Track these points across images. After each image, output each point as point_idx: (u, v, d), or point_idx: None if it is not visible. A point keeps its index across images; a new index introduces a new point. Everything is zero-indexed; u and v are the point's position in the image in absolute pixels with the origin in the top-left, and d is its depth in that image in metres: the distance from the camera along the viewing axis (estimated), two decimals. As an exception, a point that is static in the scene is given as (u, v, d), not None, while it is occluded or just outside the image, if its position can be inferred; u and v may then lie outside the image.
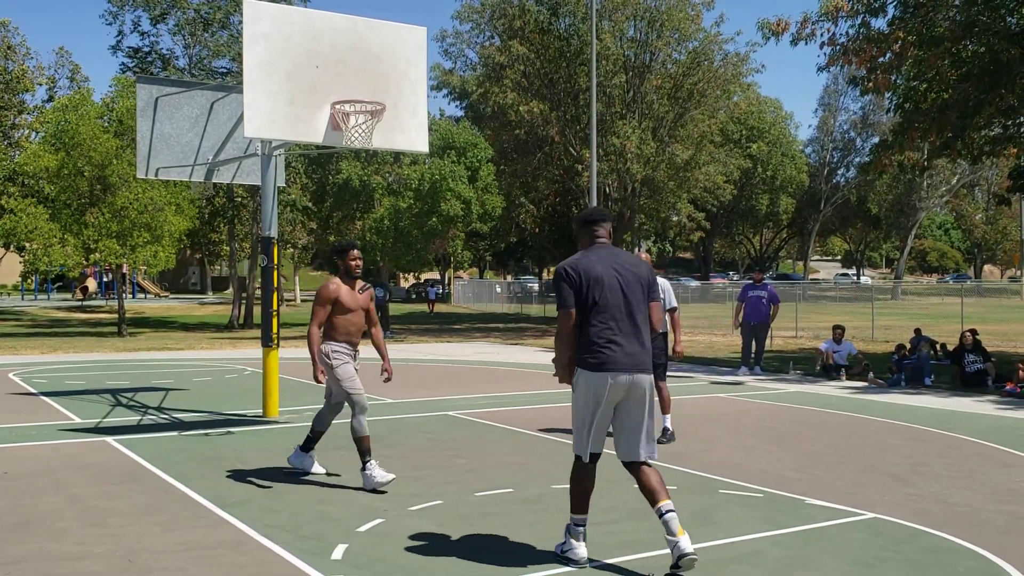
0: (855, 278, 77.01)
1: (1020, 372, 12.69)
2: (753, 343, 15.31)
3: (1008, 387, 12.57)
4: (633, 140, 26.34)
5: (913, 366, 13.89)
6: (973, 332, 13.90)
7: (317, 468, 7.20)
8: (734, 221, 65.30)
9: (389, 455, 8.03)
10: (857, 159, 68.60)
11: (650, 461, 4.87)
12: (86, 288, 50.53)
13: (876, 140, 64.45)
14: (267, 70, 8.78)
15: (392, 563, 4.95)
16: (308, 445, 7.19)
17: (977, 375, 13.27)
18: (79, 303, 47.34)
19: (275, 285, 10.33)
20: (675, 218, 36.86)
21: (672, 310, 8.82)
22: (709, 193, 31.20)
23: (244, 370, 16.05)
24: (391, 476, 6.62)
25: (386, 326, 25.36)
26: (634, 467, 4.86)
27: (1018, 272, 75.25)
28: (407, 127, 9.19)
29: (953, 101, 14.93)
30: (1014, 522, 5.79)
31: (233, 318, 30.84)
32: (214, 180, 11.57)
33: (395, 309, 47.55)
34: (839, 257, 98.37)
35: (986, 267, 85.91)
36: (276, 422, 10.02)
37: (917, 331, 16.51)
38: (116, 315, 28.93)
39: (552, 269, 66.88)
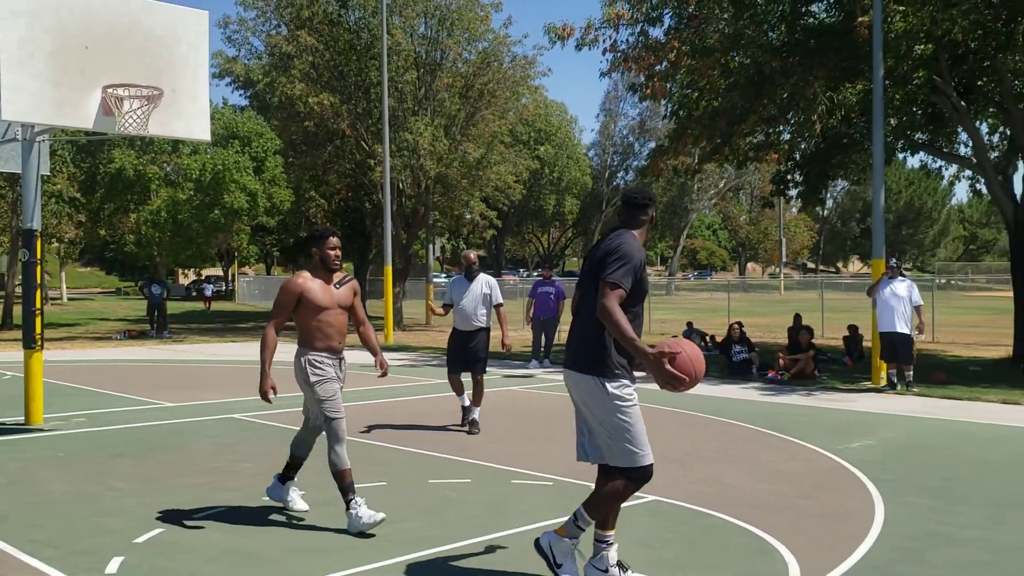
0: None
1: (780, 360, 13.81)
2: (543, 337, 15.78)
3: (770, 375, 13.64)
4: (426, 137, 26.34)
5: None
6: (740, 324, 14.96)
7: (298, 503, 5.97)
8: (524, 220, 67.04)
9: (169, 461, 7.59)
10: (636, 163, 72.20)
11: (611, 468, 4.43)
12: None
13: (653, 145, 68.24)
14: (30, 49, 8.05)
15: (172, 573, 4.67)
16: (287, 473, 6.06)
17: (743, 364, 14.31)
18: None
19: (38, 282, 9.50)
20: (468, 216, 37.24)
21: (498, 306, 9.28)
22: (500, 192, 31.72)
23: (3, 374, 14.67)
24: (380, 516, 5.42)
25: (163, 326, 24.01)
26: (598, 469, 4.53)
27: (777, 270, 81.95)
28: (186, 114, 8.70)
29: (722, 109, 16.01)
30: (781, 500, 6.27)
31: (-11, 318, 28.10)
32: (-34, 166, 10.46)
33: (172, 307, 45.13)
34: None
35: (749, 264, 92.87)
36: (41, 430, 9.22)
37: (689, 324, 17.61)
38: None
39: (345, 266, 65.56)
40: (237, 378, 14.34)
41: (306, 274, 5.77)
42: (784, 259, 79.97)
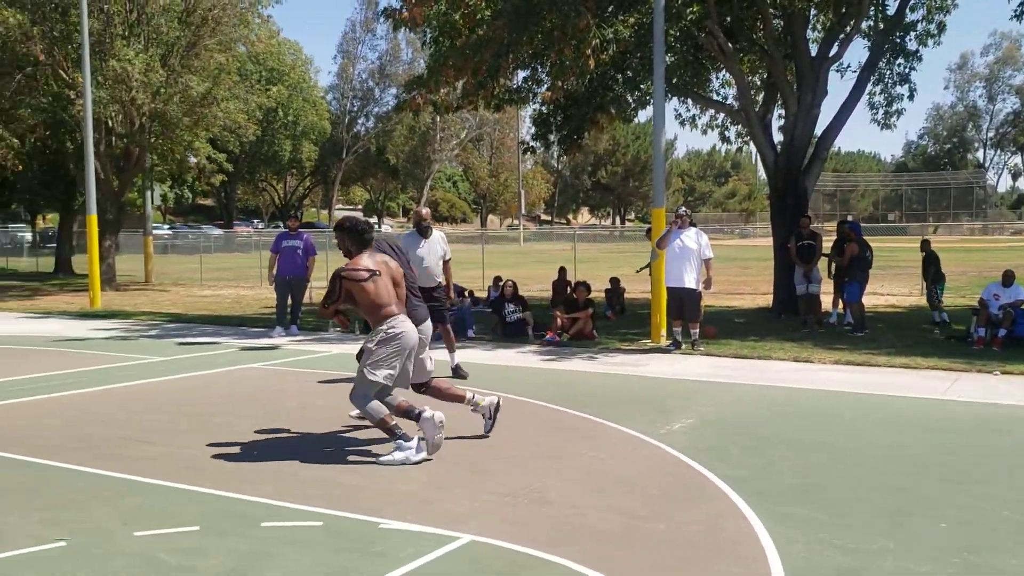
0: (377, 226, 78.95)
1: (558, 320, 12.49)
2: (288, 299, 13.49)
3: (548, 336, 12.30)
4: (136, 66, 22.62)
5: (456, 318, 13.13)
6: (512, 282, 13.50)
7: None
8: (257, 167, 62.47)
9: None
10: (376, 109, 69.58)
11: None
12: None
13: (394, 91, 65.87)
14: None
15: None
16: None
17: (517, 324, 12.87)
18: None
19: None
20: (192, 160, 33.31)
21: (447, 261, 9.47)
22: (230, 132, 28.38)
23: None
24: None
25: None
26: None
27: (515, 221, 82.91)
28: None
29: (487, 39, 14.32)
30: (631, 524, 4.68)
31: None
32: None
33: None
34: (361, 206, 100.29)
35: (490, 216, 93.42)
36: None
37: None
38: None
39: (50, 216, 57.28)
40: None
41: None
42: (522, 211, 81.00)
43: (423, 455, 5.89)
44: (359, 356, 6.29)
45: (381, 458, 5.91)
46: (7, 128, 27.60)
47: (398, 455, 5.87)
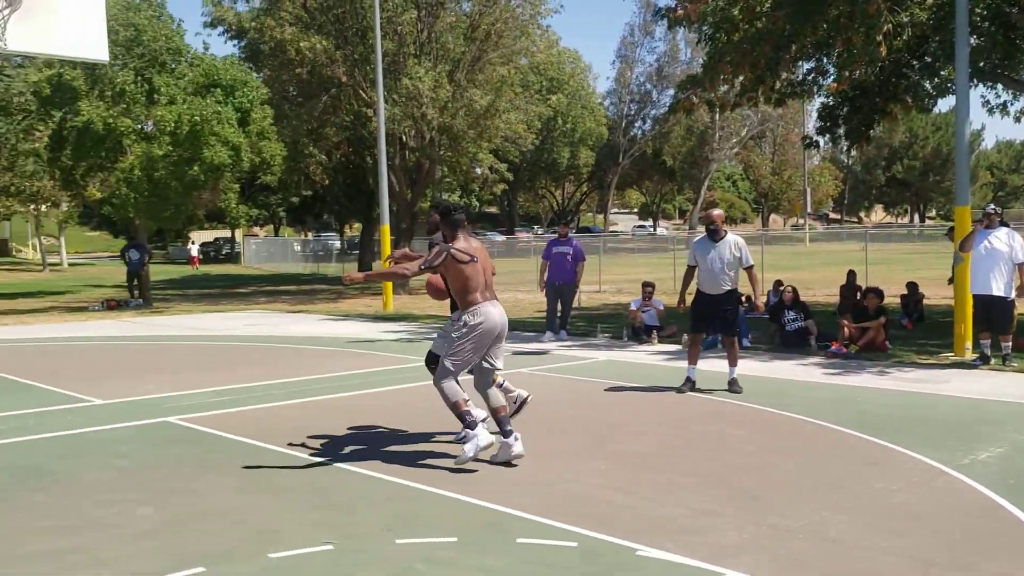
0: (652, 229, 78.52)
1: (845, 330, 11.55)
2: (558, 305, 13.60)
3: (833, 347, 11.39)
4: (426, 82, 23.99)
5: (730, 325, 12.53)
6: (793, 288, 12.71)
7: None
8: (536, 174, 64.50)
9: (37, 503, 5.41)
10: (653, 112, 69.28)
11: None
12: None
13: (671, 92, 65.25)
14: None
15: None
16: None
17: (798, 334, 12.06)
18: None
19: None
20: (478, 171, 34.94)
21: (749, 268, 8.86)
22: (510, 142, 29.35)
23: (-67, 360, 12.63)
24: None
25: (144, 296, 22.05)
26: None
27: (801, 220, 79.06)
28: (65, 23, 6.37)
29: (766, 32, 13.60)
30: (923, 572, 4.09)
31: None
32: None
33: (175, 272, 43.32)
34: (636, 209, 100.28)
35: (771, 216, 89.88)
36: None
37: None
38: None
39: (356, 225, 62.78)
40: (196, 360, 12.26)
41: None
42: (808, 210, 77.06)
43: (489, 440, 5.99)
44: (428, 361, 6.68)
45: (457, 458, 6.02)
46: (316, 145, 30.41)
47: (467, 449, 5.97)
